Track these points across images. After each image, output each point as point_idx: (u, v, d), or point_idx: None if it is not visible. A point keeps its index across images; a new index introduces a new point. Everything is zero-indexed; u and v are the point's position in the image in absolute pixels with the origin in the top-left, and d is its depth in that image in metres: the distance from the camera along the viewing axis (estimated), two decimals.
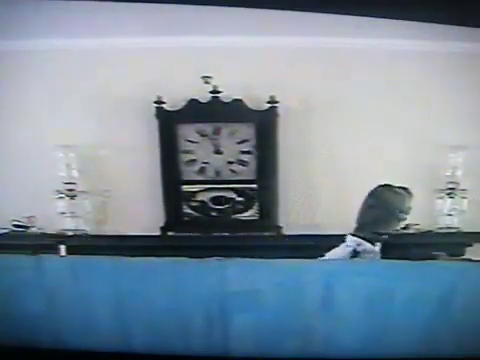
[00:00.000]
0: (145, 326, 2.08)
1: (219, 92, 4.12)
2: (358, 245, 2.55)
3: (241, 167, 4.24)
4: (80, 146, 4.11)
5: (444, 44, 3.97)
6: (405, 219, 2.65)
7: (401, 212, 2.61)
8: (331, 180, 4.18)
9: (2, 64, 3.99)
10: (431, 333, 2.02)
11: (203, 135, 4.22)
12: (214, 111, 4.18)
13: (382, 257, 2.56)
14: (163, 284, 2.07)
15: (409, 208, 2.64)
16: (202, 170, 4.24)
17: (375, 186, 2.65)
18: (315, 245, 3.83)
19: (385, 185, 2.65)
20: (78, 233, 4.13)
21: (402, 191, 2.63)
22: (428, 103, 4.12)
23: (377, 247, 2.59)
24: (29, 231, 4.06)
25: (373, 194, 2.63)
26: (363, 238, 2.57)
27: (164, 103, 4.16)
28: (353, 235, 2.60)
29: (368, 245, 2.56)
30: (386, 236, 2.58)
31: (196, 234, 4.22)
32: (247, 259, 2.07)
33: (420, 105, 4.13)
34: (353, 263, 2.39)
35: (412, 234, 3.98)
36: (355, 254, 2.53)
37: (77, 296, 2.08)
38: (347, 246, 2.58)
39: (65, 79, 4.13)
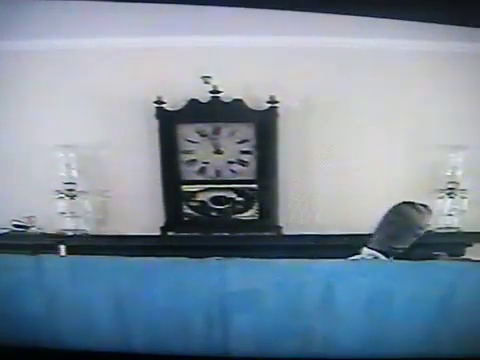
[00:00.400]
0: (145, 326, 2.08)
1: (219, 92, 4.12)
2: (375, 258, 2.56)
3: (241, 167, 4.24)
4: (80, 146, 4.11)
5: (444, 44, 3.97)
6: (421, 235, 2.66)
7: (420, 229, 2.62)
8: (331, 180, 4.18)
9: (2, 64, 3.99)
10: (431, 333, 2.02)
11: (203, 135, 4.22)
12: (214, 111, 4.17)
13: None
14: (163, 284, 2.07)
15: (427, 225, 2.66)
16: (202, 170, 4.24)
17: (397, 203, 2.68)
18: (315, 245, 3.86)
19: (408, 202, 2.67)
20: (78, 233, 4.13)
21: (423, 209, 2.67)
22: (428, 103, 4.12)
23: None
24: (29, 231, 4.06)
25: (395, 210, 2.66)
26: (380, 251, 2.58)
27: (164, 103, 4.16)
28: (369, 248, 2.61)
29: (384, 259, 2.56)
30: (401, 250, 2.59)
31: (196, 234, 4.22)
32: (247, 259, 2.07)
33: (420, 105, 4.13)
34: (353, 263, 2.39)
35: None
36: None
37: (77, 296, 2.08)
38: (363, 259, 2.58)
39: (65, 79, 4.12)
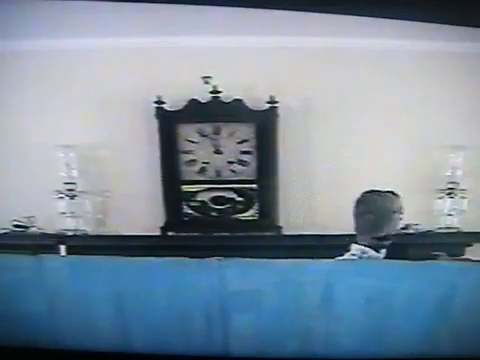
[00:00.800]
0: (145, 326, 2.08)
1: (219, 92, 4.12)
2: (363, 253, 2.57)
3: (241, 167, 4.24)
4: (80, 146, 4.11)
5: (444, 44, 3.97)
6: (401, 219, 2.66)
7: (394, 212, 2.62)
8: (331, 180, 4.18)
9: (2, 64, 3.99)
10: (431, 333, 2.02)
11: (203, 135, 4.22)
12: (214, 111, 4.18)
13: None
14: (163, 284, 2.06)
15: (401, 207, 2.65)
16: (202, 170, 4.24)
17: (360, 194, 2.66)
18: (315, 245, 3.86)
19: (370, 191, 2.67)
20: (78, 233, 4.13)
21: (387, 193, 2.65)
22: (428, 103, 4.12)
23: (382, 254, 2.59)
24: (29, 231, 4.06)
25: (361, 201, 2.66)
26: (367, 246, 2.57)
27: (164, 103, 4.16)
28: (357, 243, 2.60)
29: (373, 252, 2.57)
30: (389, 241, 2.58)
31: (196, 234, 4.22)
32: (247, 259, 2.06)
33: (420, 105, 4.13)
34: (353, 263, 2.39)
35: (412, 234, 3.99)
36: None
37: (77, 296, 2.08)
38: (352, 255, 2.58)
39: (65, 79, 4.13)
